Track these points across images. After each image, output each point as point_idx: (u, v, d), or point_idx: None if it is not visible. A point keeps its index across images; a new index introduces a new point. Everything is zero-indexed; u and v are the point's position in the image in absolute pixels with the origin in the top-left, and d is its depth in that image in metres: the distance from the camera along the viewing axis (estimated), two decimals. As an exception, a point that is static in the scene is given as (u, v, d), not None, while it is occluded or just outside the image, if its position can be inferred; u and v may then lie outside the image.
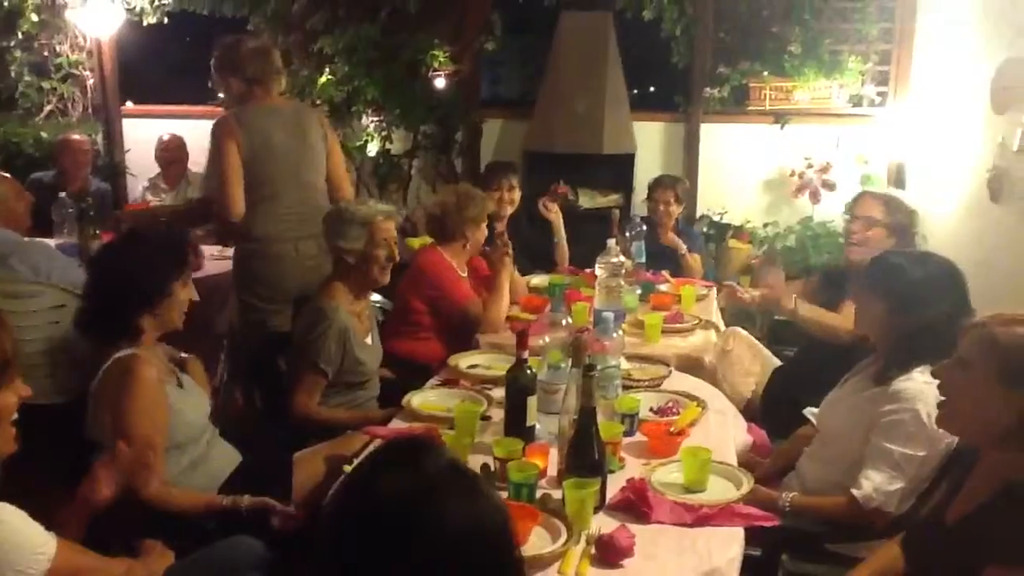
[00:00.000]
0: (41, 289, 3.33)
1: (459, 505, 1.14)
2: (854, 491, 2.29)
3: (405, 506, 1.13)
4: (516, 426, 2.41)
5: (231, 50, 3.62)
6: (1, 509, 1.53)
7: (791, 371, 3.47)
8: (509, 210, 4.38)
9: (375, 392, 3.15)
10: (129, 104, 6.81)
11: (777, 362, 3.66)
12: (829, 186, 5.57)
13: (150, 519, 2.31)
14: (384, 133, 6.17)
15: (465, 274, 3.77)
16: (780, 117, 5.70)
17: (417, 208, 5.87)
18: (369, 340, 3.12)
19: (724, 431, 2.63)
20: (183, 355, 2.73)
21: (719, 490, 2.21)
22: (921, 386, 2.28)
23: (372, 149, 6.17)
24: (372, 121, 6.18)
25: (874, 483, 2.28)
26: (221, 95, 3.93)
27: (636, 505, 2.07)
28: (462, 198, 3.70)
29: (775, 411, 3.26)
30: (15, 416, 1.63)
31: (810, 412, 2.72)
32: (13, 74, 6.31)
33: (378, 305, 3.98)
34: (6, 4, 6.10)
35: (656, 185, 4.83)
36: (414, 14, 5.98)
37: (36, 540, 1.54)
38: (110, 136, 6.51)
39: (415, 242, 4.87)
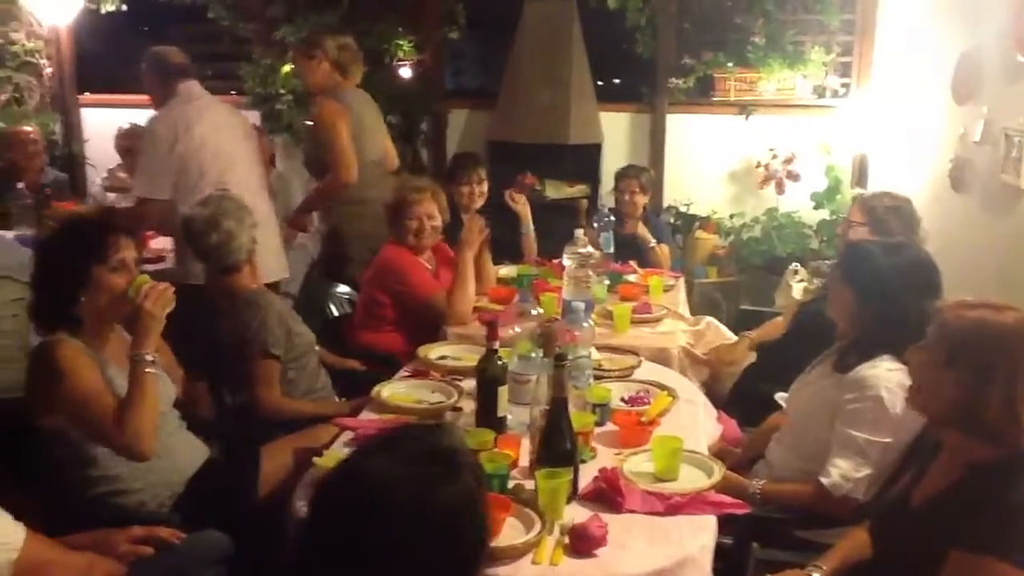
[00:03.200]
0: (-2, 282, 3.25)
1: (432, 489, 1.18)
2: (822, 479, 2.31)
3: (381, 483, 1.16)
4: (487, 417, 2.40)
5: (320, 37, 4.37)
6: None
7: (763, 360, 3.48)
8: (479, 203, 4.35)
9: (322, 370, 3.12)
10: (87, 94, 6.68)
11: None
12: (794, 177, 5.61)
13: (112, 516, 2.27)
14: (348, 123, 6.09)
15: (432, 265, 3.74)
16: (745, 108, 5.72)
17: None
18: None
19: (694, 420, 2.64)
20: None
21: (690, 479, 2.22)
22: (882, 372, 2.29)
23: (336, 140, 6.09)
24: (336, 111, 6.10)
25: (841, 470, 2.29)
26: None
27: (608, 495, 2.07)
28: (395, 192, 3.74)
29: (746, 400, 3.27)
30: None
31: (781, 397, 2.73)
32: (-34, 63, 6.16)
33: (346, 296, 3.94)
34: (-42, -9, 5.96)
35: (621, 175, 4.86)
36: (375, 3, 5.91)
37: (4, 530, 1.49)
38: (68, 126, 6.38)
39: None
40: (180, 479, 2.44)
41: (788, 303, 4.65)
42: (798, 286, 4.84)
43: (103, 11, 6.15)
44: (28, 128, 5.55)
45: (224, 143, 3.86)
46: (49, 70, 6.33)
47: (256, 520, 2.32)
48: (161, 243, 4.53)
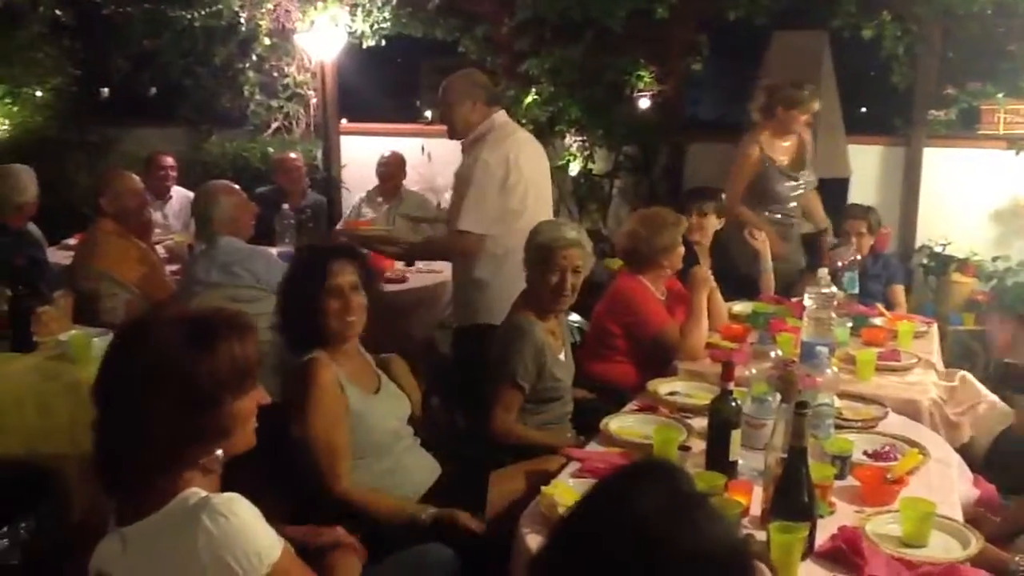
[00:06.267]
0: (261, 295, 3.50)
1: (711, 525, 1.15)
2: (1103, 563, 2.04)
3: (664, 519, 1.13)
4: (718, 460, 2.31)
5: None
6: (238, 502, 1.55)
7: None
8: (697, 237, 4.22)
9: (568, 408, 3.13)
10: (344, 122, 7.18)
11: (1007, 409, 3.35)
12: (1071, 219, 5.08)
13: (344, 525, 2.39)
14: (586, 153, 6.18)
15: (664, 296, 3.69)
16: (1016, 142, 5.25)
17: (616, 230, 5.84)
18: (563, 356, 3.11)
19: (948, 483, 2.41)
20: (384, 356, 2.78)
21: (942, 547, 2.03)
22: None
23: (574, 168, 6.21)
24: (575, 141, 6.22)
25: None
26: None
27: (848, 556, 1.93)
28: (651, 227, 3.60)
29: (1006, 464, 2.97)
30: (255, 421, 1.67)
31: (1052, 467, 2.46)
32: (246, 93, 6.82)
33: (576, 325, 3.96)
34: (243, 29, 6.60)
35: (845, 216, 4.62)
36: (619, 35, 5.96)
37: (268, 541, 1.56)
38: (328, 152, 6.88)
39: (613, 263, 4.83)
40: (413, 495, 2.53)
41: (1060, 359, 4.20)
42: (1072, 340, 4.36)
43: (364, 46, 6.60)
44: (293, 155, 6.04)
45: (540, 182, 3.72)
46: (314, 100, 6.87)
47: (481, 544, 2.35)
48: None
